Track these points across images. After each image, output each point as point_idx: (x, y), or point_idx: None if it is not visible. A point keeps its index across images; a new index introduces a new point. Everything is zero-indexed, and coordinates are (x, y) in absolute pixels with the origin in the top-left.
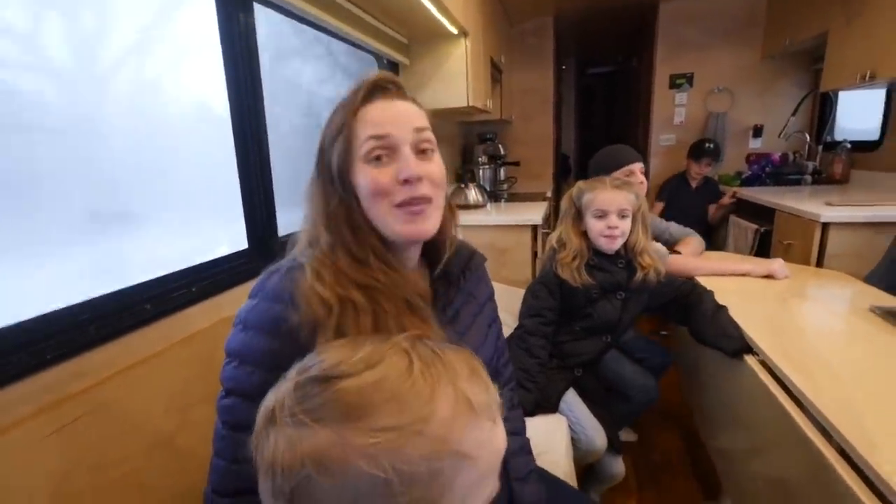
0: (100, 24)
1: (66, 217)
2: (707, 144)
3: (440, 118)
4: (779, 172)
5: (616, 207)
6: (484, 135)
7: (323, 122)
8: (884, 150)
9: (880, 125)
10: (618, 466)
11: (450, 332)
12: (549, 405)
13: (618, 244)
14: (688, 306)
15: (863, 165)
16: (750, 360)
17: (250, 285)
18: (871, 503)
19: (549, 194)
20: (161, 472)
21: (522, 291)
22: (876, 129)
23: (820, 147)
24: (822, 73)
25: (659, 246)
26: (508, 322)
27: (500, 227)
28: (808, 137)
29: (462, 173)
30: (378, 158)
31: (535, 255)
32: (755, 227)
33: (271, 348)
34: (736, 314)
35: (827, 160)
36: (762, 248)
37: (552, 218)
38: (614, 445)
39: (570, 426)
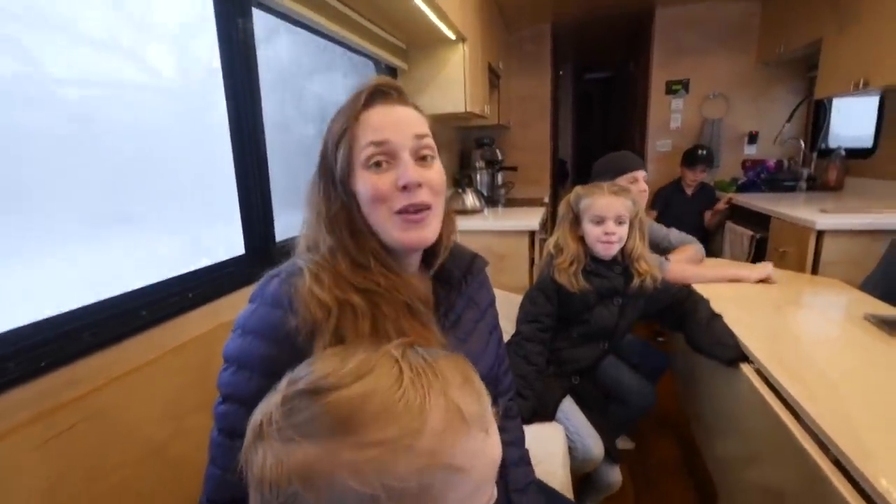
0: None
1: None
2: (700, 151)
3: (438, 123)
4: (774, 179)
5: (613, 213)
6: (481, 140)
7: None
8: (877, 157)
9: (874, 132)
10: (615, 475)
11: (451, 339)
12: (545, 413)
13: (614, 250)
14: (683, 314)
15: (857, 172)
16: (745, 368)
17: (247, 291)
18: None
19: (546, 199)
20: (155, 481)
21: (520, 298)
22: (869, 137)
23: (814, 154)
24: (815, 80)
25: (655, 256)
26: (507, 329)
27: (497, 232)
28: (802, 144)
29: (459, 178)
30: (378, 164)
31: (532, 261)
32: (751, 233)
33: (269, 354)
34: (731, 322)
35: (822, 167)
36: (758, 255)
37: (549, 223)
38: (611, 454)
39: (566, 435)
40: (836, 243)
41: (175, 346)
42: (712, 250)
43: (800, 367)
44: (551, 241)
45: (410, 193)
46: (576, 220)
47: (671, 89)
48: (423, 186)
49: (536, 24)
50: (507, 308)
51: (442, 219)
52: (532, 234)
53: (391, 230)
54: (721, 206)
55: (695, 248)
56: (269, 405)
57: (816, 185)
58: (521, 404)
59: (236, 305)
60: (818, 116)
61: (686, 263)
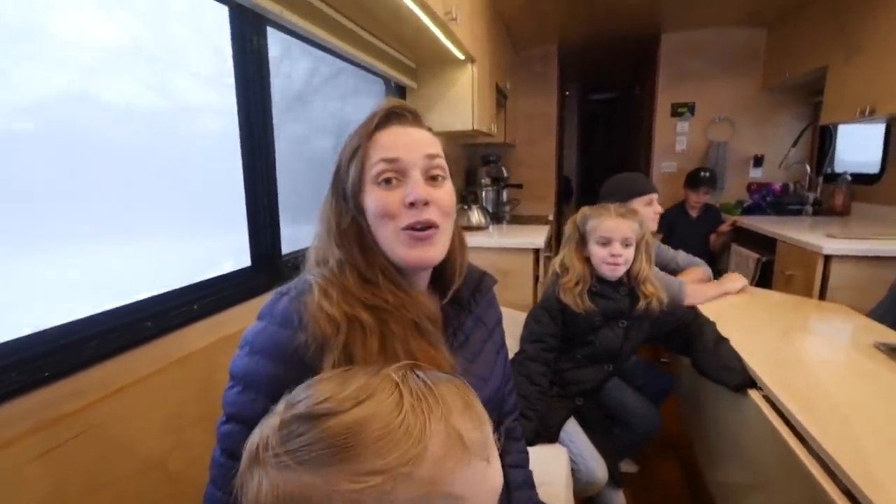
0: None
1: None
2: (703, 173)
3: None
4: (779, 202)
5: (620, 235)
6: (487, 157)
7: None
8: (884, 183)
9: (881, 159)
10: (618, 500)
11: (459, 359)
12: (549, 434)
13: (620, 272)
14: (689, 337)
15: (863, 198)
16: (753, 394)
17: (252, 303)
18: None
19: (551, 217)
20: (154, 495)
21: (524, 316)
22: (876, 163)
23: (820, 178)
24: (821, 106)
25: (675, 280)
26: (511, 347)
27: (502, 249)
28: (808, 168)
29: (465, 195)
30: (388, 181)
31: (536, 279)
32: (757, 256)
33: (276, 373)
34: (738, 347)
35: (827, 191)
36: (763, 278)
37: (554, 241)
38: (615, 478)
39: (570, 457)
40: (844, 268)
41: (178, 357)
42: (718, 272)
43: (809, 394)
44: (557, 261)
45: (417, 211)
46: (582, 241)
47: (677, 112)
48: (430, 205)
49: (543, 45)
50: (511, 326)
51: (450, 239)
52: (537, 251)
53: (396, 247)
54: (725, 227)
55: (703, 269)
56: (265, 429)
57: (822, 210)
58: (525, 425)
59: (241, 318)
60: (823, 141)
61: (703, 284)
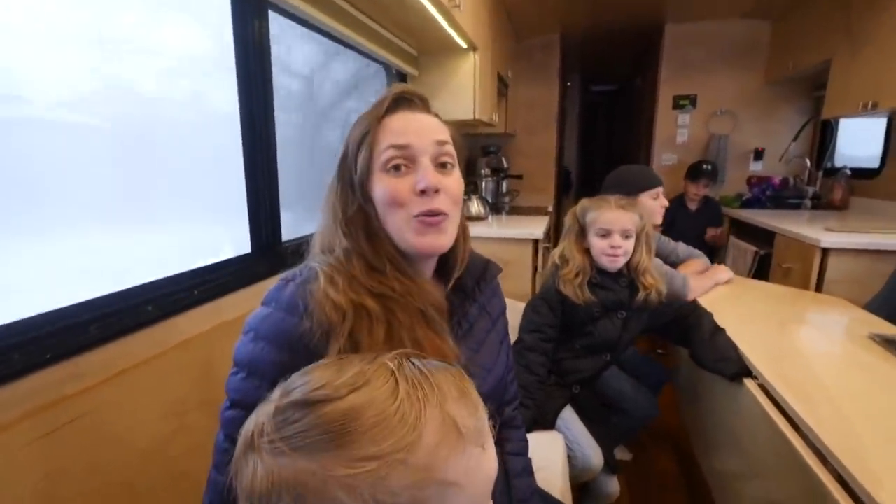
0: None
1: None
2: (704, 165)
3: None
4: (779, 196)
5: (620, 227)
6: (488, 147)
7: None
8: (884, 178)
9: (881, 153)
10: (613, 486)
11: (463, 349)
12: (545, 422)
13: (620, 263)
14: (687, 328)
15: (862, 192)
16: (749, 383)
17: (251, 290)
18: None
19: (550, 208)
20: (156, 478)
21: (522, 306)
22: (876, 157)
23: (820, 172)
24: (822, 100)
25: (679, 276)
26: (511, 338)
27: (501, 239)
28: (808, 162)
29: (465, 185)
30: (397, 168)
31: (535, 269)
32: (755, 249)
33: (281, 360)
34: (735, 337)
35: (827, 186)
36: (761, 271)
37: (553, 232)
38: (610, 465)
39: (566, 444)
40: (841, 262)
41: (179, 342)
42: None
43: (804, 384)
44: (557, 252)
45: (428, 199)
46: (582, 232)
47: (678, 104)
48: (440, 192)
49: (546, 34)
50: (510, 316)
51: (458, 228)
52: (536, 242)
53: (407, 234)
54: (714, 234)
55: (702, 261)
56: (261, 415)
57: (821, 204)
58: (522, 413)
59: (240, 304)
60: (824, 135)
61: (697, 276)
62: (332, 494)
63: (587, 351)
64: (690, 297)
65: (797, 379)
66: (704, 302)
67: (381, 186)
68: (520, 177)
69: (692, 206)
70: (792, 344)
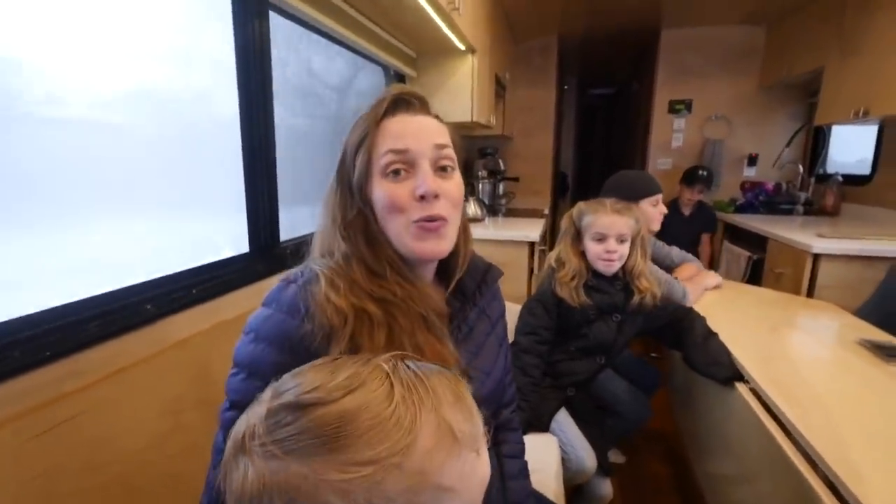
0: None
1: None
2: (701, 171)
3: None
4: (772, 201)
5: (615, 232)
6: (485, 149)
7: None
8: (874, 184)
9: (872, 160)
10: (606, 488)
11: (462, 352)
12: (540, 424)
13: (615, 267)
14: (681, 332)
15: (854, 199)
16: (740, 387)
17: (249, 289)
18: None
19: (546, 211)
20: (153, 475)
21: (518, 308)
22: (867, 164)
23: (812, 178)
24: (816, 107)
25: (678, 286)
26: None
27: (497, 241)
28: (801, 168)
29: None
30: (396, 173)
31: (531, 271)
32: (748, 254)
33: (282, 362)
34: (727, 341)
35: (819, 192)
36: (754, 276)
37: (549, 235)
38: (603, 467)
39: (560, 446)
40: (832, 267)
41: (177, 340)
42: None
43: (795, 389)
44: (553, 255)
45: (427, 204)
46: (577, 236)
47: (674, 109)
48: (440, 197)
49: (543, 36)
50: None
51: (458, 232)
52: (532, 244)
53: (406, 240)
54: (703, 247)
55: (696, 265)
56: (252, 417)
57: (813, 210)
58: (517, 415)
59: (238, 303)
60: (817, 142)
61: (688, 283)
62: (324, 499)
63: (582, 353)
64: (689, 304)
65: (788, 384)
66: (698, 306)
67: (381, 191)
68: (516, 179)
69: (686, 210)
70: (783, 349)
